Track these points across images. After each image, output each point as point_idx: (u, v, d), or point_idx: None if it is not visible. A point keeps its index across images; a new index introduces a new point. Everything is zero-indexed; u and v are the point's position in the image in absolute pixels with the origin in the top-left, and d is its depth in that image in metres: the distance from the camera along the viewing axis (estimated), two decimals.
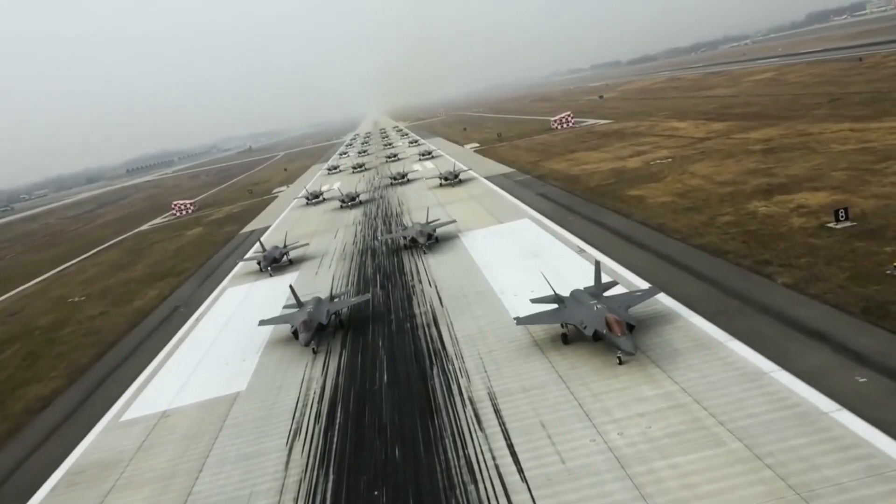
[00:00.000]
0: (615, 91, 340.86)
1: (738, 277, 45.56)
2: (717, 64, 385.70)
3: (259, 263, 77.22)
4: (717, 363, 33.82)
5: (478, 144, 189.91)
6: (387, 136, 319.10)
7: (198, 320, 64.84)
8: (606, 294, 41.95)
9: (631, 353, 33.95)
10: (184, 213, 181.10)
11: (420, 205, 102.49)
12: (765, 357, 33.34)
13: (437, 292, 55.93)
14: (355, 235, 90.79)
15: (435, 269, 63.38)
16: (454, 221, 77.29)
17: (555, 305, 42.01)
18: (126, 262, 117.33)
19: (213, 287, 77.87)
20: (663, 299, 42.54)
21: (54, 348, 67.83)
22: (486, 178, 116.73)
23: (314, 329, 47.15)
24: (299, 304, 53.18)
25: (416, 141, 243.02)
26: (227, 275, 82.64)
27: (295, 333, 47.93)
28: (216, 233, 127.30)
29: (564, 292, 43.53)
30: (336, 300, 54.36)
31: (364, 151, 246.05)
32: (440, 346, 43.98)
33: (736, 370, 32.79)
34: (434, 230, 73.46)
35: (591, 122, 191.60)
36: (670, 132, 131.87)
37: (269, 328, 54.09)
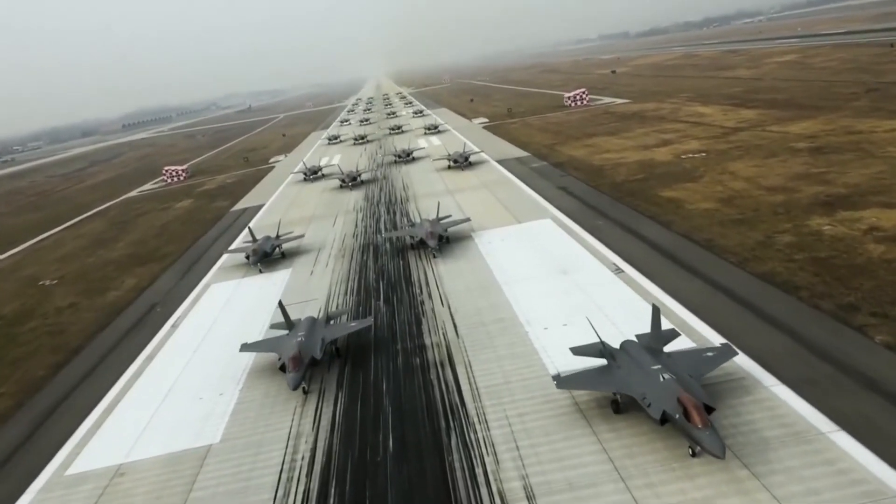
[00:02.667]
0: (627, 66, 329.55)
1: (821, 328, 37.57)
2: (732, 41, 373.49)
3: (248, 257, 68.93)
4: (827, 470, 25.98)
5: (486, 119, 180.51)
6: (390, 104, 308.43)
7: (174, 327, 56.82)
8: (667, 348, 33.97)
9: (719, 457, 25.93)
10: (175, 179, 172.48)
11: (427, 191, 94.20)
12: (891, 466, 25.56)
13: (451, 315, 47.87)
14: (356, 225, 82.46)
15: (447, 281, 55.26)
16: (468, 220, 68.85)
17: (602, 361, 34.08)
18: (108, 238, 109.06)
19: (196, 281, 69.80)
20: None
21: (11, 350, 59.93)
22: (499, 161, 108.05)
23: (306, 366, 39.24)
24: (289, 326, 45.20)
25: (421, 111, 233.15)
26: (212, 266, 74.47)
27: (283, 368, 39.98)
28: (206, 208, 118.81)
29: (612, 338, 35.78)
30: (332, 323, 46.34)
31: (366, 120, 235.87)
32: (458, 400, 36.07)
33: (856, 486, 24.98)
34: (445, 229, 65.23)
35: (607, 100, 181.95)
36: (696, 118, 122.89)
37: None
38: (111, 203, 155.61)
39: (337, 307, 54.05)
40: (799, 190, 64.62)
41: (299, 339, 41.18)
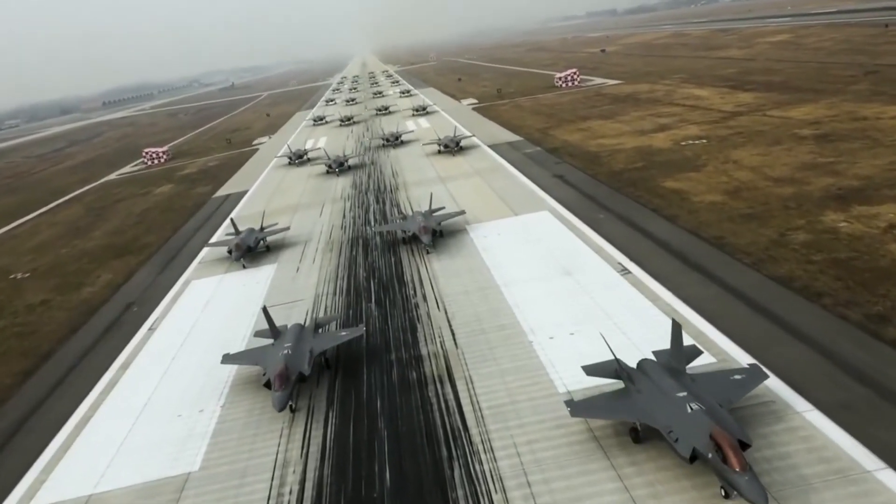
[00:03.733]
0: (616, 44, 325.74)
1: (850, 341, 34.81)
2: (722, 20, 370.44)
3: (230, 252, 65.28)
4: None
5: (475, 100, 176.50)
6: (376, 83, 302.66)
7: (152, 330, 53.36)
8: (690, 368, 31.02)
9: None
10: (155, 161, 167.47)
11: (418, 178, 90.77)
12: None
13: (449, 321, 44.73)
14: (343, 215, 78.88)
15: (442, 281, 52.05)
16: (463, 213, 65.51)
17: (619, 382, 31.18)
18: (84, 225, 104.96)
19: (176, 277, 66.23)
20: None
21: None
22: (491, 146, 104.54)
23: (293, 384, 36.06)
24: (274, 334, 41.95)
25: (409, 91, 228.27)
26: (192, 260, 70.78)
27: (268, 384, 36.71)
28: (187, 194, 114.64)
29: (623, 351, 33.04)
30: (321, 331, 43.08)
31: (352, 100, 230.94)
32: (460, 423, 33.05)
33: None
34: (439, 223, 61.97)
35: (599, 81, 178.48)
36: (692, 101, 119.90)
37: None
38: (89, 187, 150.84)
39: (325, 310, 50.79)
40: (808, 182, 61.86)
41: (285, 351, 37.93)
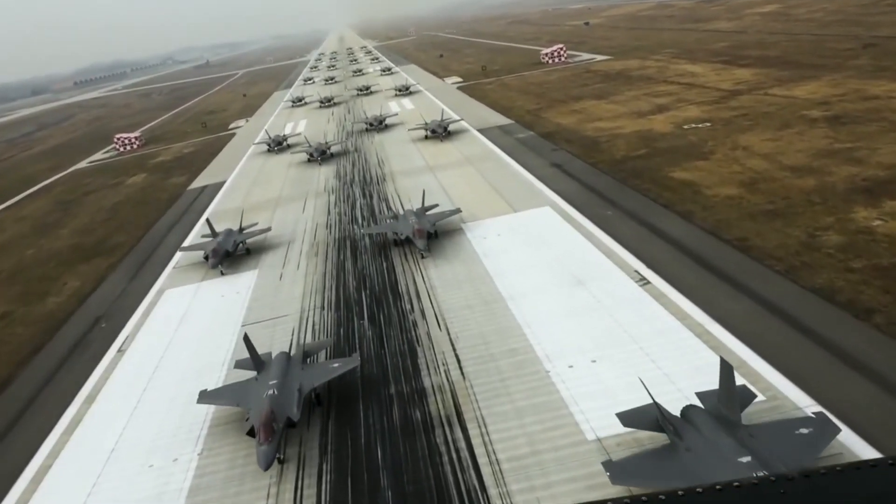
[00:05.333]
0: (600, 16, 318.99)
1: None
2: None
3: (207, 258, 60.07)
4: None
5: (460, 79, 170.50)
6: (356, 60, 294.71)
7: (122, 352, 48.26)
8: (744, 418, 26.66)
9: None
10: (127, 147, 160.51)
11: (405, 167, 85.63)
12: None
13: (452, 343, 40.04)
14: (328, 211, 73.65)
15: (441, 293, 47.24)
16: (459, 211, 60.54)
17: (661, 436, 26.81)
18: (52, 222, 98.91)
19: (148, 284, 60.97)
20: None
21: None
22: (480, 130, 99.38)
23: (281, 431, 31.35)
24: (257, 366, 37.10)
25: (389, 69, 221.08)
26: (165, 264, 65.46)
27: (252, 432, 31.98)
28: (160, 185, 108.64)
29: (655, 384, 28.87)
30: (310, 361, 38.24)
31: (331, 79, 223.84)
32: (476, 481, 28.51)
33: None
34: (433, 224, 57.07)
35: (586, 56, 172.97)
36: (688, 79, 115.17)
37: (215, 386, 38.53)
38: (58, 176, 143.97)
39: (313, 327, 45.96)
40: (829, 171, 57.58)
41: (270, 391, 33.12)
